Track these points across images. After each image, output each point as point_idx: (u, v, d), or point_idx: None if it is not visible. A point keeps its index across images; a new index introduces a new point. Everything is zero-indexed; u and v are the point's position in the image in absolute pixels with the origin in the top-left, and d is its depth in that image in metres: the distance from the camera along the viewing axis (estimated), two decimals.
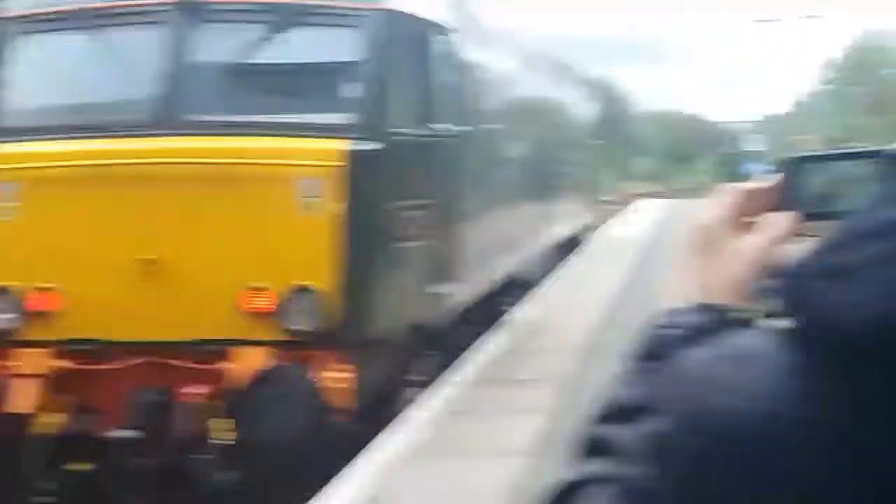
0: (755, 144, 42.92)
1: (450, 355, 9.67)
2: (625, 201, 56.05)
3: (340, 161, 6.92)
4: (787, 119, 40.88)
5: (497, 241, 10.79)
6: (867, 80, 37.89)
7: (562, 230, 16.76)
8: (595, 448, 0.97)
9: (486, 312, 11.27)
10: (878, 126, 34.84)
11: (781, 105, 42.81)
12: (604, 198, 53.09)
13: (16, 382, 6.81)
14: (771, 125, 44.22)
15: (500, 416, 7.53)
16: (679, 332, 0.99)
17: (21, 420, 6.76)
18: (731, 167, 53.49)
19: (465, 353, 9.95)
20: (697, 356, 0.85)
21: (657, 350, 0.99)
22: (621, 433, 0.93)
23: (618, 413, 0.97)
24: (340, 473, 6.46)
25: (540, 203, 14.02)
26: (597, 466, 0.94)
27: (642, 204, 45.60)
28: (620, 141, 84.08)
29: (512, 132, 11.41)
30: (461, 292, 9.11)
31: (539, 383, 8.60)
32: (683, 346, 0.91)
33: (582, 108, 20.48)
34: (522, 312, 12.39)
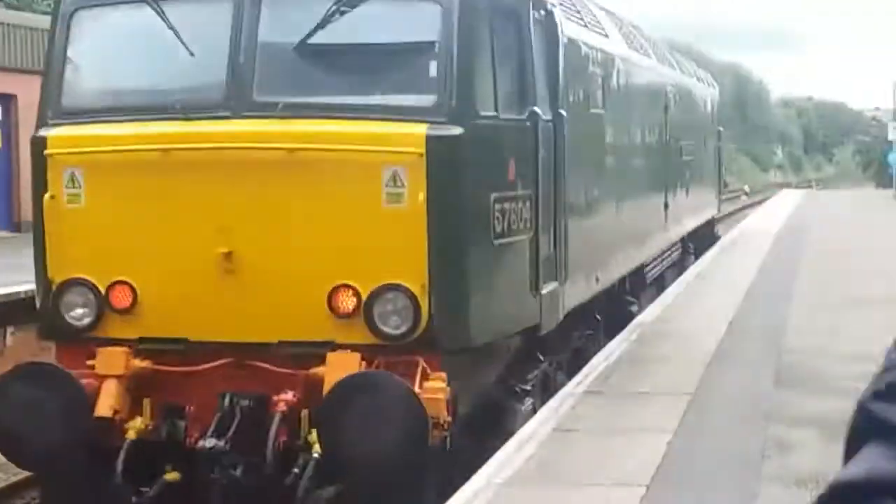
0: None
1: (567, 362, 9.24)
2: (759, 192, 55.69)
3: (426, 147, 6.43)
4: None
5: (611, 235, 10.31)
6: None
7: (685, 223, 16.36)
8: (877, 430, 0.90)
9: (608, 312, 10.89)
10: None
11: None
12: (738, 189, 52.85)
13: (96, 383, 6.58)
14: None
15: (615, 436, 7.01)
16: None
17: (108, 424, 6.55)
18: (875, 157, 51.56)
19: (580, 361, 9.47)
20: None
21: None
22: None
23: None
24: (439, 495, 6.08)
25: (657, 194, 13.51)
26: (879, 461, 0.88)
27: (778, 195, 44.70)
28: (752, 130, 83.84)
29: (620, 117, 10.78)
30: (571, 291, 8.60)
31: (661, 396, 8.04)
32: None
33: (706, 94, 19.86)
34: (646, 315, 11.94)
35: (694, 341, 10.26)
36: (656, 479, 6.02)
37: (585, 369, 9.00)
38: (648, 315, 11.90)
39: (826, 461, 6.32)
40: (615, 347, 9.98)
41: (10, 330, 14.01)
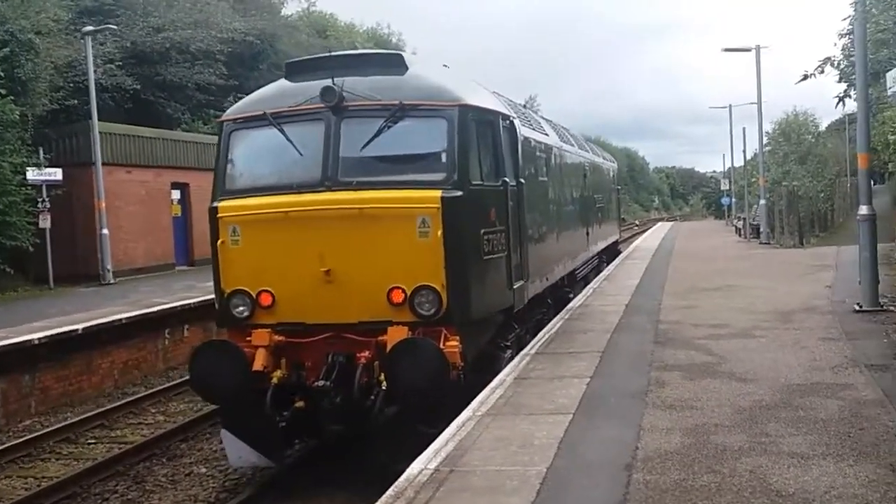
0: (726, 186, 41.88)
1: (532, 328, 9.27)
2: (644, 223, 55.90)
3: (441, 204, 6.57)
4: (743, 169, 39.70)
5: (553, 252, 10.37)
6: (792, 142, 37.19)
7: (599, 244, 16.38)
8: None
9: (555, 298, 10.90)
10: (803, 171, 34.02)
11: (740, 160, 41.60)
12: (630, 222, 53.13)
13: (253, 351, 6.71)
14: (735, 173, 43.17)
15: (554, 381, 6.84)
16: None
17: (260, 375, 6.67)
18: (714, 201, 52.34)
19: (540, 327, 9.42)
20: None
21: None
22: None
23: None
24: (456, 410, 5.97)
25: (581, 227, 13.54)
26: None
27: (656, 225, 44.73)
28: (640, 187, 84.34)
29: (557, 182, 10.90)
30: (532, 286, 8.68)
31: (584, 354, 7.91)
32: None
33: (609, 166, 19.97)
34: (576, 301, 11.85)
35: (605, 317, 10.13)
36: (580, 408, 5.89)
37: (535, 339, 8.80)
38: (578, 301, 11.80)
39: (686, 392, 6.28)
40: (555, 323, 9.80)
41: (185, 326, 13.76)
